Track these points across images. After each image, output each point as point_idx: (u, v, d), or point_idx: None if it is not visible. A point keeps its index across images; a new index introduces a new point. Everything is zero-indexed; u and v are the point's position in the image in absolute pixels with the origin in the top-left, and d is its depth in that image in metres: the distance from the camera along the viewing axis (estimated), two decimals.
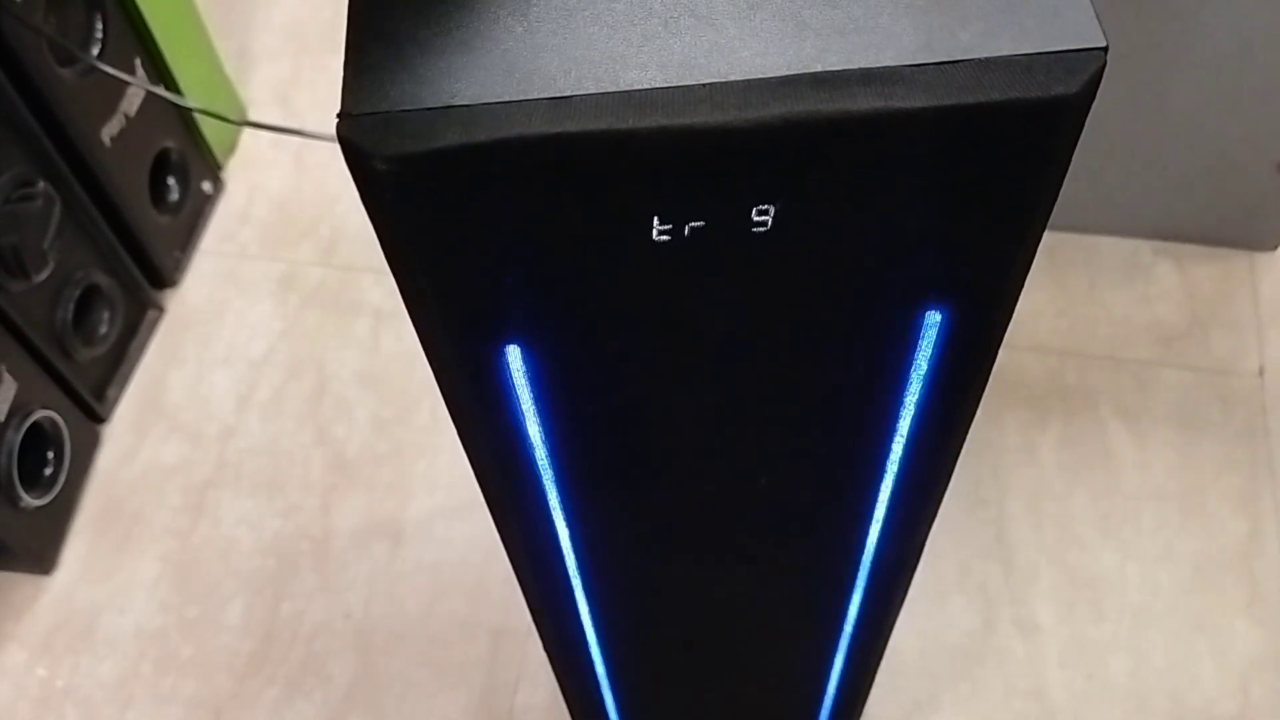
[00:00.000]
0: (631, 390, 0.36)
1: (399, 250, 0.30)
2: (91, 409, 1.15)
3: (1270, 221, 1.23)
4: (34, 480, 1.05)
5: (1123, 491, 1.12)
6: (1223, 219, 1.24)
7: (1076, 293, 1.24)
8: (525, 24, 0.28)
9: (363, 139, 0.27)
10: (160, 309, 1.25)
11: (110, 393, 1.18)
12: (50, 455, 1.07)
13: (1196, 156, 1.16)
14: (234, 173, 1.36)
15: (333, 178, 1.34)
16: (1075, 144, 0.29)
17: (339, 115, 0.28)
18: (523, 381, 0.35)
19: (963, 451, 0.41)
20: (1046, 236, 1.09)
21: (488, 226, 0.29)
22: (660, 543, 0.47)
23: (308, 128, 1.18)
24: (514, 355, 0.34)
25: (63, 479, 1.09)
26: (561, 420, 0.37)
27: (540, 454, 0.38)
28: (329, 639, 1.06)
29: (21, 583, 1.09)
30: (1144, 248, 1.27)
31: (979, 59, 0.27)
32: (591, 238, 0.30)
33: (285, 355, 1.22)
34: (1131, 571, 1.08)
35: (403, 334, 1.22)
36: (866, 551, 0.47)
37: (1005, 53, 0.27)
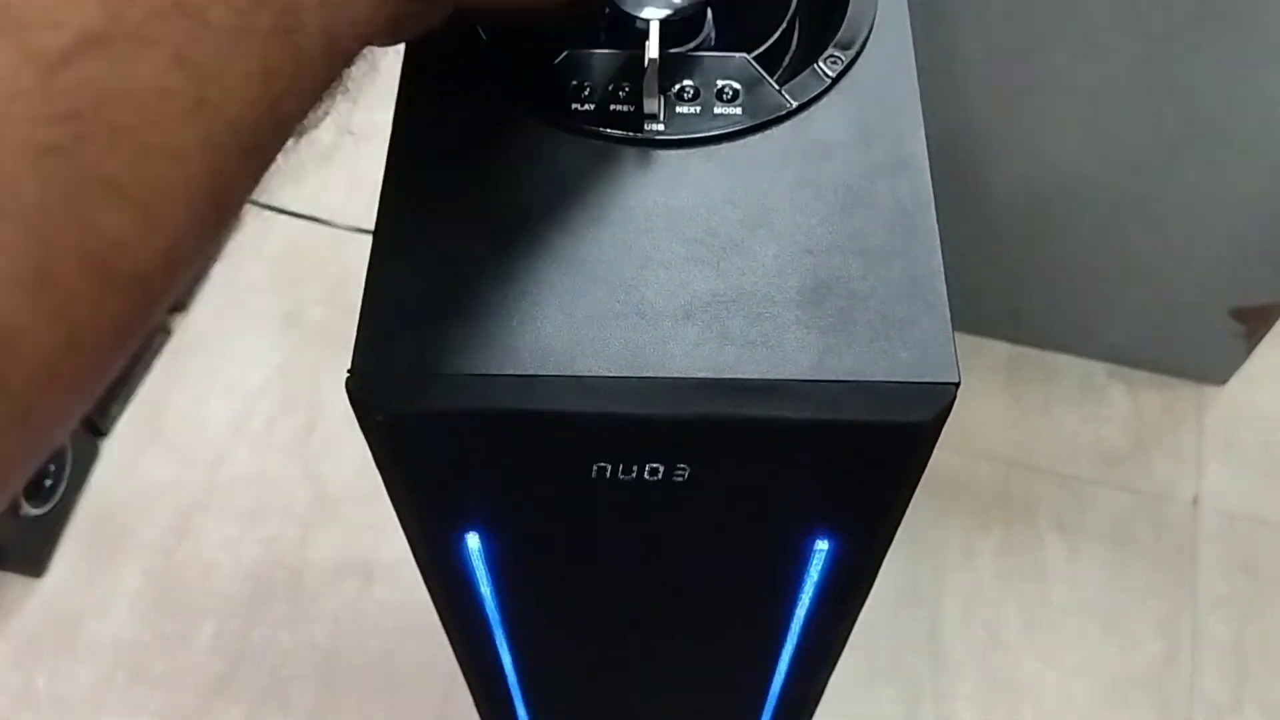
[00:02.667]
0: (567, 574, 0.44)
1: (387, 469, 0.37)
2: (94, 424, 1.22)
3: (1221, 359, 1.30)
4: (34, 490, 1.12)
5: (1051, 603, 1.19)
6: (1176, 351, 1.31)
7: (1031, 406, 1.32)
8: (505, 307, 0.36)
9: (366, 397, 0.34)
10: (168, 331, 1.31)
11: (113, 409, 1.24)
12: (52, 468, 1.14)
13: (1156, 294, 1.24)
14: (250, 206, 1.42)
15: (344, 221, 1.41)
16: (933, 447, 0.36)
17: (349, 372, 0.35)
18: (479, 559, 0.42)
19: (908, 547, 0.48)
20: (1009, 350, 1.16)
21: (459, 460, 0.37)
22: (589, 671, 0.55)
23: (322, 161, 1.25)
24: (473, 539, 0.41)
25: (61, 490, 1.16)
26: (509, 587, 0.44)
27: (491, 609, 0.46)
28: (295, 667, 1.13)
29: (13, 582, 1.16)
30: (1099, 369, 1.34)
31: (857, 381, 0.34)
32: (541, 473, 0.37)
33: (281, 389, 1.29)
34: (1050, 680, 1.15)
35: None
36: (773, 694, 0.55)
37: (879, 378, 0.34)
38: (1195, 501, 1.26)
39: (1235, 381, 1.32)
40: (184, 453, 1.25)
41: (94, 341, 0.22)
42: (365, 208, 1.37)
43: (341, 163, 1.42)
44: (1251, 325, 1.24)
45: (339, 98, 0.32)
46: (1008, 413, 1.31)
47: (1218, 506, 1.25)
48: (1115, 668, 1.16)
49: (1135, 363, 1.34)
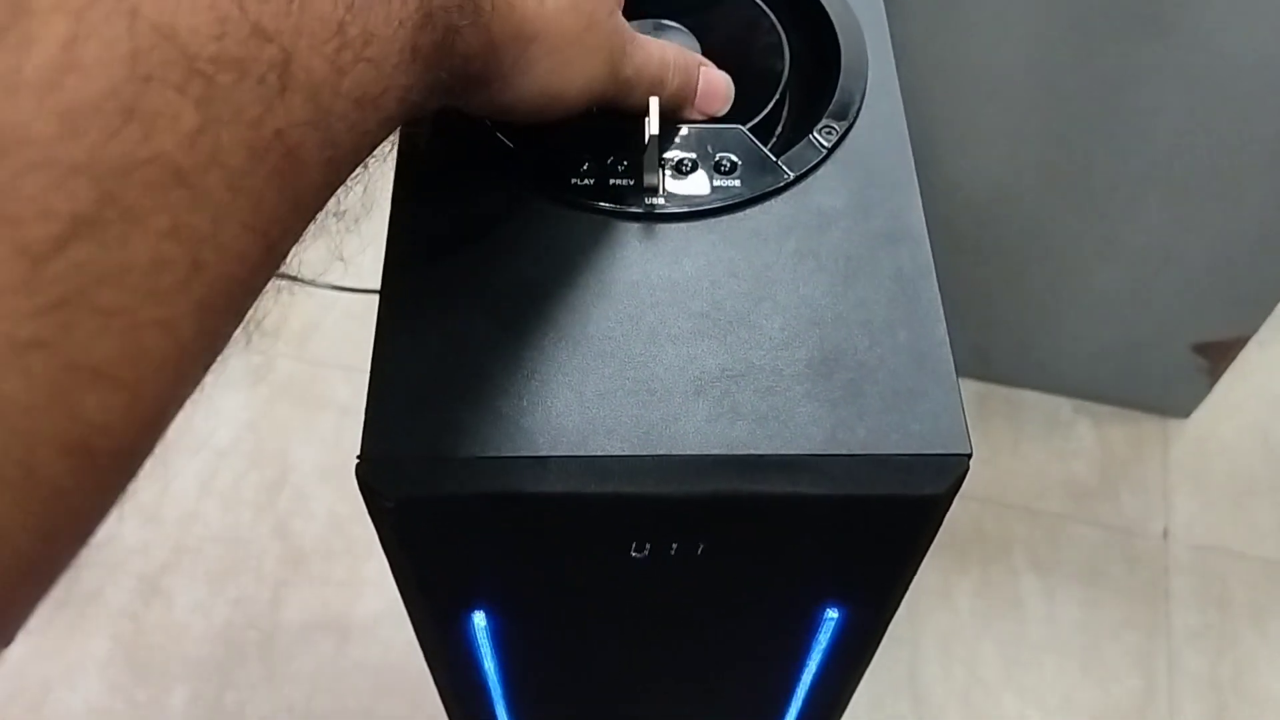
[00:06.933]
0: (574, 646, 0.43)
1: (395, 553, 0.37)
2: None
3: (1184, 392, 1.32)
4: None
5: (1029, 641, 1.20)
6: (1140, 386, 1.33)
7: (1001, 443, 1.33)
8: (515, 387, 0.35)
9: (376, 483, 0.34)
10: None
11: None
12: None
13: (1119, 330, 1.26)
14: None
15: (310, 272, 1.40)
16: (945, 515, 0.36)
17: (358, 458, 0.34)
18: (484, 635, 0.42)
19: None
20: (978, 387, 1.17)
21: (469, 543, 0.36)
22: None
23: None
24: (479, 617, 0.41)
25: None
26: (514, 661, 0.44)
27: (494, 683, 0.45)
28: None
29: None
30: (1065, 405, 1.36)
31: (870, 455, 0.34)
32: (552, 552, 0.37)
33: (251, 445, 1.28)
34: (1031, 718, 1.15)
35: None
36: None
37: (892, 451, 0.34)
38: (1165, 535, 1.27)
39: (1199, 414, 1.34)
40: (151, 513, 1.23)
41: (70, 529, 0.21)
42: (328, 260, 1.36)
43: None
44: (1213, 359, 1.26)
45: None
46: (979, 450, 1.31)
47: (1187, 539, 1.27)
48: (1095, 705, 1.16)
49: (1100, 397, 1.36)
